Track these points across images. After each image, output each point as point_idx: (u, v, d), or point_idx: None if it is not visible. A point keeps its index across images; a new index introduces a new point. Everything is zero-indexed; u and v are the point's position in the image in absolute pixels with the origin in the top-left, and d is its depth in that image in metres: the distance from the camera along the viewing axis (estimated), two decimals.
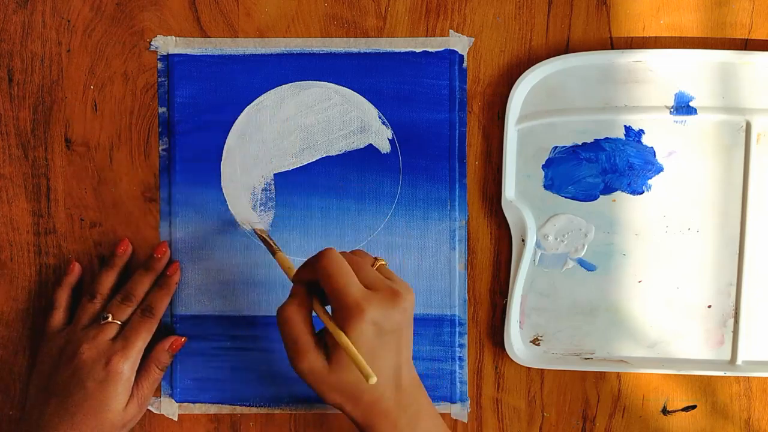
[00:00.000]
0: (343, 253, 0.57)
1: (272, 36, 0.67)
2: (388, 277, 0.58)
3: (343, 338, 0.54)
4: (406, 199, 0.67)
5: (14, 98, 0.68)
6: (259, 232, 0.66)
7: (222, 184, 0.68)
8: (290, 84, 0.67)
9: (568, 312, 0.67)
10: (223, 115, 0.67)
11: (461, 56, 0.67)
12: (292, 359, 0.57)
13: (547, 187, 0.67)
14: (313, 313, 0.58)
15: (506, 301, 0.67)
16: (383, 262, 0.60)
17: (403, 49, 0.67)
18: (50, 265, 0.68)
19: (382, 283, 0.56)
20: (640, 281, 0.67)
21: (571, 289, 0.67)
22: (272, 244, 0.64)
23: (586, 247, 0.67)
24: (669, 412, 0.68)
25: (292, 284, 0.59)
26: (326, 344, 0.57)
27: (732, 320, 0.67)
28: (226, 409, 0.68)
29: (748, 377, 0.67)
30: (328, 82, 0.67)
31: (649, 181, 0.67)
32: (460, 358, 0.68)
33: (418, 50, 0.67)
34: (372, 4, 0.67)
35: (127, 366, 0.62)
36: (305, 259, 0.59)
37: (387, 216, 0.67)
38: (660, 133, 0.66)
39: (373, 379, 0.52)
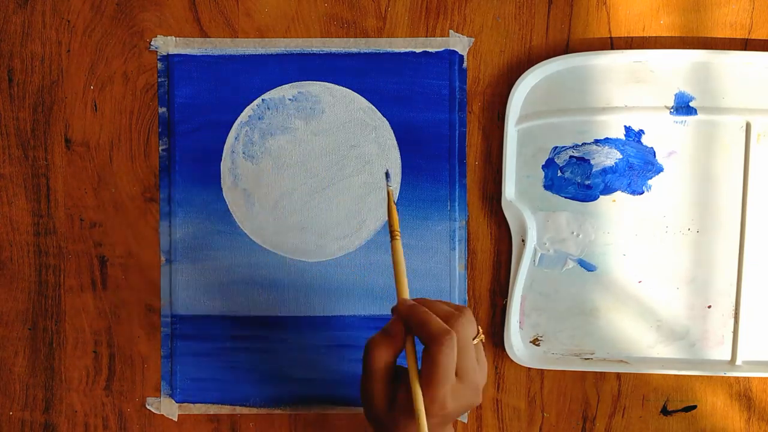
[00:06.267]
0: (457, 319, 0.54)
1: (272, 36, 0.67)
2: (478, 358, 0.56)
3: (422, 417, 0.52)
4: (406, 199, 0.67)
5: (14, 98, 0.68)
6: (390, 195, 0.59)
7: (222, 184, 0.68)
8: (290, 84, 0.67)
9: (568, 312, 0.67)
10: (223, 115, 0.67)
11: (461, 56, 0.67)
12: (361, 389, 0.57)
13: (547, 187, 0.67)
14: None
15: (506, 301, 0.67)
16: (482, 337, 0.56)
17: (403, 50, 0.67)
18: (50, 265, 0.68)
19: (472, 375, 0.54)
20: (640, 281, 0.67)
21: (571, 289, 0.67)
22: (395, 224, 0.58)
23: (585, 247, 0.67)
24: (669, 412, 0.68)
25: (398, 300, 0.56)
26: (396, 390, 0.56)
27: (732, 320, 0.67)
28: (226, 410, 0.68)
29: (748, 377, 0.67)
30: (327, 82, 0.67)
31: (649, 182, 0.67)
32: None
33: (418, 50, 0.67)
34: (372, 4, 0.67)
35: None
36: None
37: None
38: (660, 133, 0.66)
39: None
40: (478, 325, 0.56)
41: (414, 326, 0.54)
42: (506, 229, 0.67)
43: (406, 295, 0.56)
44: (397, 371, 0.56)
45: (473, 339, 0.55)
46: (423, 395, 0.53)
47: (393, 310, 0.56)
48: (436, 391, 0.52)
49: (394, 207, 0.58)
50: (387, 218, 0.59)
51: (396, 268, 0.57)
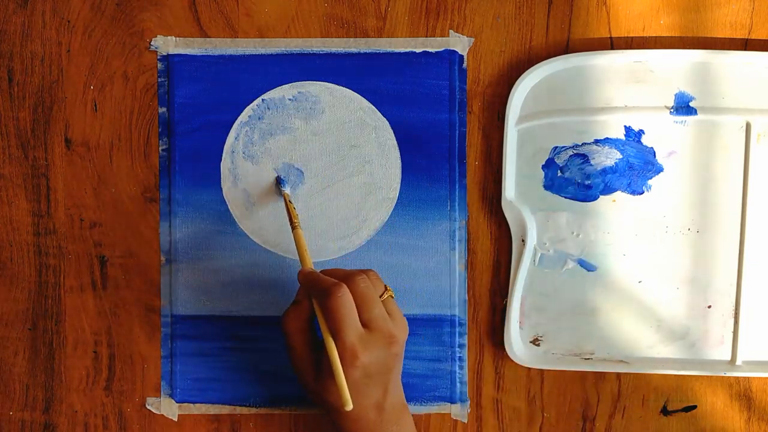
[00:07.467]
0: (354, 276, 0.58)
1: (272, 36, 0.67)
2: (390, 312, 0.59)
3: (337, 365, 0.56)
4: (406, 199, 0.67)
5: (14, 98, 0.68)
6: (286, 197, 0.65)
7: (222, 184, 0.68)
8: (290, 84, 0.67)
9: (568, 312, 0.67)
10: (223, 115, 0.67)
11: (461, 56, 0.67)
12: (291, 365, 0.61)
13: (547, 187, 0.67)
14: None
15: (506, 302, 0.67)
16: (391, 294, 0.60)
17: (403, 50, 0.67)
18: (50, 265, 0.68)
19: (381, 324, 0.58)
20: (640, 281, 0.67)
21: (571, 289, 0.67)
22: (294, 215, 0.64)
23: (585, 247, 0.67)
24: (669, 412, 0.68)
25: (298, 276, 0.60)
26: (320, 359, 0.59)
27: (732, 320, 0.67)
28: (226, 410, 0.68)
29: (748, 377, 0.67)
30: (327, 82, 0.67)
31: (649, 182, 0.67)
32: (460, 359, 0.68)
33: (418, 50, 0.67)
34: (372, 4, 0.67)
35: None
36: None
37: (387, 216, 0.67)
38: (660, 133, 0.66)
39: (349, 407, 0.55)
40: (386, 285, 0.60)
41: (310, 288, 0.59)
42: (506, 229, 0.67)
43: (307, 266, 0.61)
44: (320, 345, 0.60)
45: (380, 296, 0.59)
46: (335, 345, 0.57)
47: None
48: (343, 338, 0.56)
49: (291, 204, 0.65)
50: (287, 215, 0.65)
51: (298, 247, 0.62)
